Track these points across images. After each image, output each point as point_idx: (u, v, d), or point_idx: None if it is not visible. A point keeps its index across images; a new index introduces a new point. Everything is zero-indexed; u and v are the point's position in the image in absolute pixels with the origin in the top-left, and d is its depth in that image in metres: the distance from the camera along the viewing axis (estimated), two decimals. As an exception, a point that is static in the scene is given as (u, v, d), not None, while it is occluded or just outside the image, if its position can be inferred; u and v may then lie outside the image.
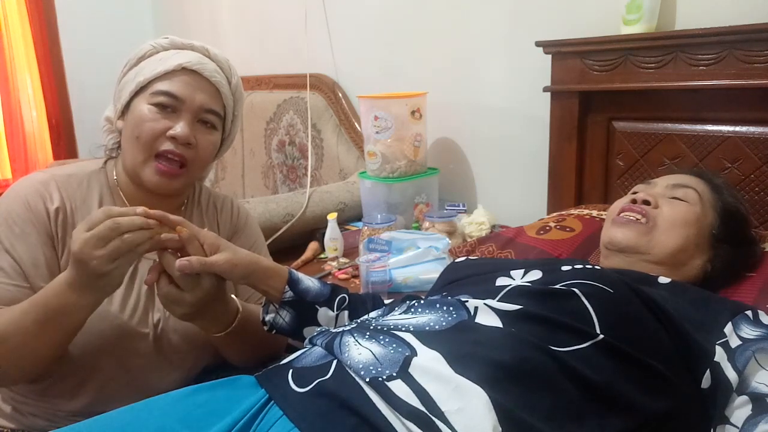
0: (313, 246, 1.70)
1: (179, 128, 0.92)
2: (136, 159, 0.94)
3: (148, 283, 0.83)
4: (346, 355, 0.69)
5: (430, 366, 0.65)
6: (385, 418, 0.62)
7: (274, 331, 0.92)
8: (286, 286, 0.90)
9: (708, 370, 0.73)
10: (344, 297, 0.97)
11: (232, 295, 0.96)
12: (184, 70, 0.94)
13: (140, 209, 0.79)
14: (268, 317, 0.92)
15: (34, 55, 3.18)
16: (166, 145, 0.92)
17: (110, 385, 0.93)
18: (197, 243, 0.83)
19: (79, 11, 3.28)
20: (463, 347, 0.68)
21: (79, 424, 0.69)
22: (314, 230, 1.77)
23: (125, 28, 3.33)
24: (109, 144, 1.03)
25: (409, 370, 0.65)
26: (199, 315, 0.86)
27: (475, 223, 1.62)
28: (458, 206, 1.81)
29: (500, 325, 0.72)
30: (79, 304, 0.80)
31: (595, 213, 1.34)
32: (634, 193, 1.03)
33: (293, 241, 1.74)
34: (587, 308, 0.74)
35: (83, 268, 0.76)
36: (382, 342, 0.70)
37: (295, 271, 0.93)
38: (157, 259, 0.83)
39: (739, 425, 0.69)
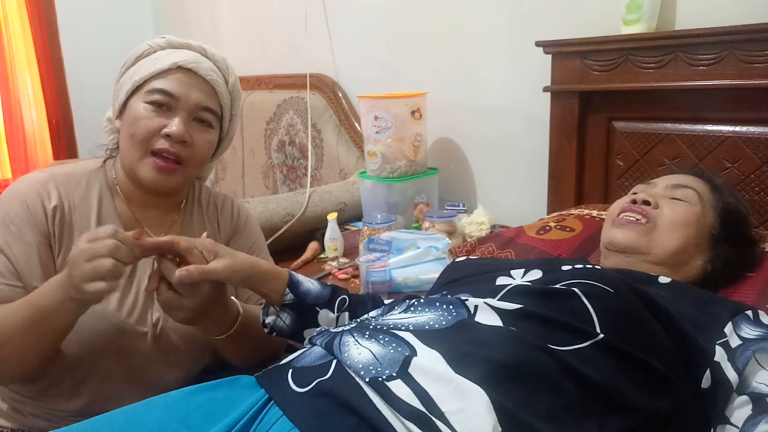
0: (313, 246, 1.69)
1: (174, 126, 0.92)
2: (132, 156, 0.93)
3: (149, 290, 0.83)
4: (346, 354, 0.69)
5: (430, 366, 0.65)
6: (385, 418, 0.62)
7: (274, 334, 0.92)
8: (287, 289, 0.90)
9: (708, 370, 0.73)
10: (345, 298, 0.97)
11: (233, 297, 0.96)
12: (179, 69, 0.94)
13: (132, 235, 0.79)
14: (268, 320, 0.92)
15: (34, 55, 3.18)
16: (161, 144, 0.92)
17: (110, 385, 0.93)
18: (197, 251, 0.82)
19: (79, 11, 3.28)
20: (462, 346, 0.67)
21: (79, 424, 0.69)
22: (314, 230, 1.77)
23: (125, 28, 3.33)
24: (110, 144, 1.03)
25: (409, 370, 0.65)
26: (200, 319, 0.86)
27: (475, 223, 1.62)
28: (458, 206, 1.81)
29: (500, 324, 0.72)
30: (66, 307, 0.79)
31: (595, 213, 1.34)
32: (634, 193, 1.03)
33: (293, 241, 1.74)
34: (587, 308, 0.74)
35: (71, 273, 0.76)
36: (381, 341, 0.70)
37: (295, 274, 0.93)
38: (156, 264, 0.83)
39: (739, 425, 0.69)
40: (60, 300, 0.78)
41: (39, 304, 0.80)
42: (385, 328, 0.74)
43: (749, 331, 0.75)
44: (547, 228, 1.29)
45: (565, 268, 0.86)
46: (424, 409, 0.61)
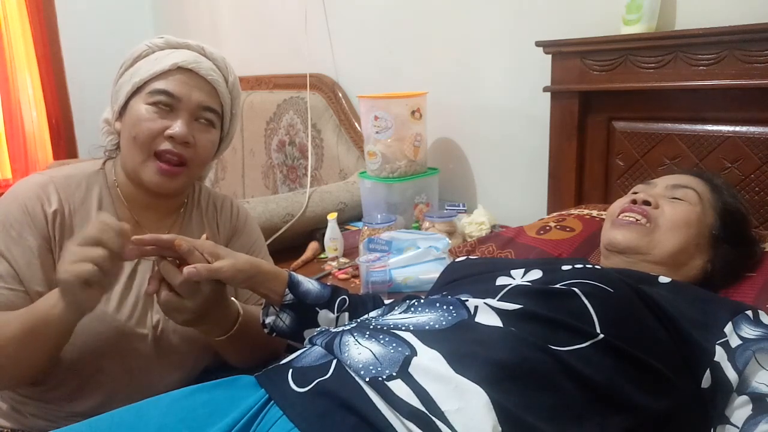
0: (313, 246, 1.70)
1: (177, 127, 0.92)
2: (135, 159, 0.93)
3: (150, 293, 0.82)
4: (346, 354, 0.69)
5: (430, 366, 0.65)
6: (385, 418, 0.62)
7: (274, 334, 0.92)
8: (287, 289, 0.90)
9: (708, 370, 0.73)
10: (345, 298, 0.97)
11: (232, 298, 0.96)
12: (179, 69, 0.94)
13: (134, 241, 0.78)
14: (268, 320, 0.92)
15: (34, 55, 3.18)
16: (164, 145, 0.92)
17: (111, 387, 0.93)
18: (197, 253, 0.82)
19: (79, 11, 3.28)
20: (462, 347, 0.67)
21: (79, 424, 0.69)
22: (314, 230, 1.77)
23: (125, 28, 3.33)
24: (108, 145, 1.02)
25: (409, 369, 0.65)
26: (201, 320, 0.86)
27: (475, 223, 1.62)
28: (458, 206, 1.81)
29: (500, 325, 0.72)
30: (58, 312, 0.78)
31: (595, 213, 1.34)
32: (635, 193, 1.03)
33: (293, 241, 1.74)
34: (587, 307, 0.74)
35: (57, 268, 0.76)
36: (382, 341, 0.70)
37: (295, 274, 0.93)
38: (156, 266, 0.82)
39: (740, 425, 0.69)
40: (52, 304, 0.78)
41: (35, 310, 0.80)
42: (385, 328, 0.74)
43: (749, 331, 0.75)
44: (547, 228, 1.29)
45: (565, 268, 0.86)
46: (423, 409, 0.61)
